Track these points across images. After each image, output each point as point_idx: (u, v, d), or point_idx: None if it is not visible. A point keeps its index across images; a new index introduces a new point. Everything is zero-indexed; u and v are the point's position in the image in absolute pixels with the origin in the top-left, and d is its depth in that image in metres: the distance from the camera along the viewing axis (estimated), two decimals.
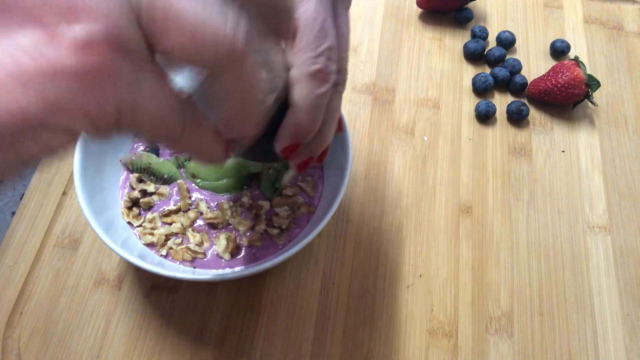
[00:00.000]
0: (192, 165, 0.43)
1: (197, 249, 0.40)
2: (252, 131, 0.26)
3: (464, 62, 0.56)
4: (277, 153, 0.30)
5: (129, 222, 0.41)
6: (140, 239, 0.41)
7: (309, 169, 0.43)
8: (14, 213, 0.45)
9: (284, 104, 0.28)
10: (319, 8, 0.28)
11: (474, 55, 0.55)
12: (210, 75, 0.21)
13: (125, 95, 0.19)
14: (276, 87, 0.27)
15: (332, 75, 0.29)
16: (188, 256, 0.40)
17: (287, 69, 0.28)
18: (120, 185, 0.43)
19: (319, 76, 0.28)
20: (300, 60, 0.28)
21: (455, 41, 0.57)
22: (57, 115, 0.18)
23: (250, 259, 0.40)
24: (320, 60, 0.28)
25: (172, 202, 0.42)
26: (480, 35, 0.56)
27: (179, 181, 0.43)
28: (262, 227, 0.41)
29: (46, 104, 0.17)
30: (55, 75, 0.17)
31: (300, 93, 0.28)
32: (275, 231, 0.41)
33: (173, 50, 0.19)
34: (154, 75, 0.20)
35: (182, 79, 0.24)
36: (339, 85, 0.30)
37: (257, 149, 0.31)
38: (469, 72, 0.55)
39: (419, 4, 0.58)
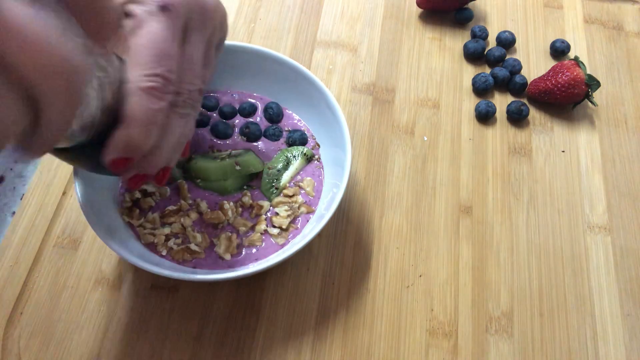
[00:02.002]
0: (193, 166, 0.43)
1: (197, 249, 0.40)
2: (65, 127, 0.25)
3: (464, 62, 0.56)
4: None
5: (129, 222, 0.41)
6: (140, 239, 0.41)
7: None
8: (14, 213, 0.45)
9: (115, 117, 0.28)
10: (165, 32, 0.29)
11: (474, 55, 0.55)
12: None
13: None
14: (103, 95, 0.27)
15: (168, 95, 0.29)
16: (188, 256, 0.40)
17: (121, 81, 0.28)
18: (120, 186, 0.43)
19: (153, 93, 0.28)
20: (136, 75, 0.28)
21: (455, 41, 0.57)
22: None
23: (250, 259, 0.40)
24: (156, 79, 0.28)
25: (172, 202, 0.42)
26: (480, 35, 0.56)
27: (179, 181, 0.43)
28: (262, 227, 0.41)
29: None
30: None
31: (132, 106, 0.28)
32: (275, 231, 0.41)
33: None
34: None
35: None
36: (177, 106, 0.30)
37: (87, 159, 0.31)
38: (469, 72, 0.55)
39: (419, 4, 0.58)
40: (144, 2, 0.29)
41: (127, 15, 0.30)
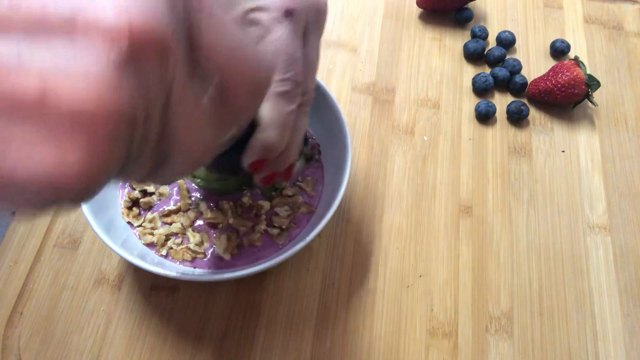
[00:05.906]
0: None
1: (197, 249, 0.40)
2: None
3: (464, 62, 0.56)
4: (241, 167, 0.31)
5: (129, 222, 0.41)
6: (140, 239, 0.41)
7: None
8: (14, 213, 0.45)
9: (250, 123, 0.30)
10: (291, 36, 0.30)
11: (474, 55, 0.55)
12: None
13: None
14: None
15: (298, 97, 0.31)
16: (188, 256, 0.40)
17: None
18: (120, 185, 0.43)
19: (286, 97, 0.30)
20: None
21: (455, 41, 0.57)
22: None
23: (250, 259, 0.40)
24: (287, 83, 0.30)
25: (172, 202, 0.42)
26: (480, 35, 0.56)
27: (179, 181, 0.43)
28: (262, 227, 0.41)
29: None
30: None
31: (269, 111, 0.30)
32: (275, 231, 0.41)
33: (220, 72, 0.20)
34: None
35: None
36: (303, 105, 0.32)
37: (223, 162, 0.32)
38: (469, 72, 0.55)
39: (419, 4, 0.58)
40: (268, 9, 0.30)
41: (252, 23, 0.30)
